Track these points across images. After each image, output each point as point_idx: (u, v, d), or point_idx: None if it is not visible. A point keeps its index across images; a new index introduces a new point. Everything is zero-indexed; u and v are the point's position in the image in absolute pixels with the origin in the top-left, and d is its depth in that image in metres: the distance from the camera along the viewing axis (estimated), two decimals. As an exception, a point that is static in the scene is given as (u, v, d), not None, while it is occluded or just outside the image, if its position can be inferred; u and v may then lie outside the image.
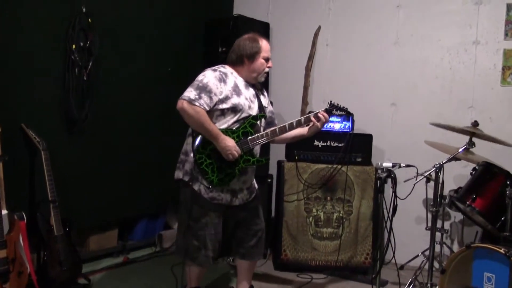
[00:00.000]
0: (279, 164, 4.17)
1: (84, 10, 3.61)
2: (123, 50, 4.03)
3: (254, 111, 3.01)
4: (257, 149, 3.07)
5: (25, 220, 3.09)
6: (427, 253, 3.63)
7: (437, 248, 3.77)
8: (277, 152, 4.31)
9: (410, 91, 4.39)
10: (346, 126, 4.16)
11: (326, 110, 3.03)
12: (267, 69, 3.05)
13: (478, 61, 4.15)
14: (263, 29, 4.82)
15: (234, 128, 2.94)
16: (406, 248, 3.95)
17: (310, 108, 4.68)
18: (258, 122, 3.03)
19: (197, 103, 2.79)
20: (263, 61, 3.01)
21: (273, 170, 4.43)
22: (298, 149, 4.11)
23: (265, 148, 4.64)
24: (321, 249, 4.05)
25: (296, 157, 4.10)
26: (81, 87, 3.66)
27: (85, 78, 3.67)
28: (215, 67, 3.00)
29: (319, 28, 4.72)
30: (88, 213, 3.83)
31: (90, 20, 3.65)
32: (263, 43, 3.03)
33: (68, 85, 3.58)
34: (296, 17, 4.88)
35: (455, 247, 4.17)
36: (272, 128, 3.03)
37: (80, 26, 3.61)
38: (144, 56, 4.22)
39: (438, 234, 3.71)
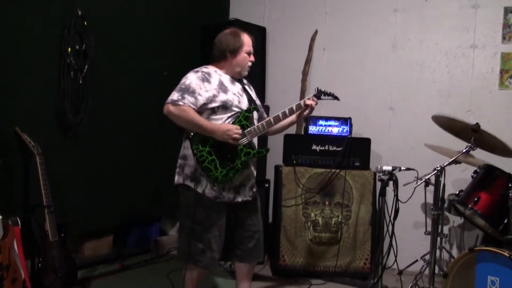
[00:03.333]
0: (277, 168, 4.13)
1: (79, 13, 3.57)
2: (119, 54, 3.99)
3: (244, 105, 3.02)
4: (255, 143, 3.06)
5: (20, 226, 3.02)
6: (426, 257, 3.59)
7: (437, 253, 3.73)
8: (275, 157, 4.27)
9: (408, 95, 4.37)
10: (344, 130, 4.14)
11: (315, 96, 3.07)
12: (249, 63, 3.07)
13: (476, 65, 4.14)
14: (260, 34, 4.81)
15: (229, 124, 2.94)
16: (405, 253, 3.88)
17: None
18: (251, 114, 3.03)
19: (181, 103, 2.83)
20: (245, 55, 3.03)
21: (270, 175, 4.40)
22: (296, 154, 4.08)
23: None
24: (320, 255, 4.01)
25: (294, 162, 4.06)
26: (76, 91, 3.61)
27: (80, 82, 3.62)
28: (197, 69, 3.01)
29: (316, 32, 4.70)
30: (83, 219, 3.76)
31: (85, 23, 3.60)
32: (245, 37, 3.05)
33: (64, 88, 3.53)
34: (292, 21, 4.86)
35: (454, 252, 4.15)
36: (267, 119, 3.03)
37: (76, 29, 3.56)
38: (140, 60, 4.18)
39: (437, 239, 3.68)
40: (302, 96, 4.68)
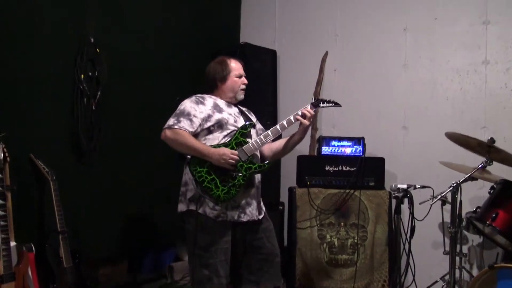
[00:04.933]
0: (291, 190, 4.10)
1: (92, 40, 3.63)
2: (131, 80, 4.03)
3: (241, 124, 3.02)
4: (258, 158, 3.04)
5: (34, 252, 3.03)
6: (446, 278, 3.51)
7: (456, 273, 3.65)
8: (288, 179, 4.25)
9: (421, 113, 4.34)
10: (358, 150, 4.10)
11: (312, 104, 3.02)
12: (242, 86, 3.08)
13: (489, 81, 4.11)
14: (270, 57, 4.85)
15: (226, 142, 2.93)
16: (424, 274, 3.82)
17: (320, 133, 4.64)
18: (249, 132, 3.01)
19: (176, 127, 2.87)
20: (236, 79, 3.06)
21: (284, 197, 4.37)
22: (309, 175, 4.05)
23: (276, 174, 4.62)
24: (337, 277, 3.94)
25: (308, 183, 4.03)
26: (89, 117, 3.65)
27: (93, 108, 3.66)
28: (192, 95, 3.05)
29: (326, 53, 4.72)
30: (97, 245, 3.76)
31: (98, 50, 3.66)
32: (232, 62, 3.09)
33: (77, 115, 3.58)
34: (302, 43, 4.90)
35: (475, 272, 4.04)
36: (265, 133, 3.01)
37: (88, 56, 3.62)
38: (153, 86, 4.22)
39: (456, 259, 3.60)
40: (315, 117, 4.67)
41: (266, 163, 2.98)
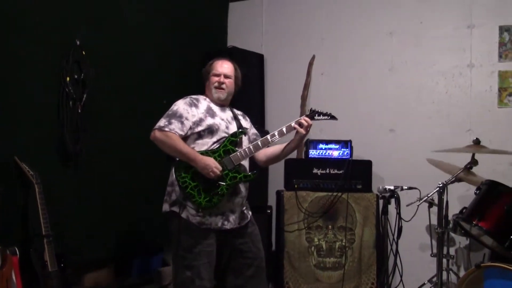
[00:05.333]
0: (278, 193, 4.10)
1: (78, 42, 3.60)
2: (118, 83, 4.01)
3: (232, 131, 2.98)
4: (245, 167, 3.01)
5: (18, 255, 3.00)
6: (434, 280, 3.52)
7: (444, 275, 3.66)
8: (276, 182, 4.24)
9: (408, 116, 4.37)
10: (345, 153, 4.12)
11: (307, 116, 2.97)
12: (215, 84, 3.02)
13: (474, 84, 4.15)
14: (258, 61, 4.85)
15: (214, 148, 2.90)
16: (413, 276, 3.83)
17: (308, 137, 4.63)
18: (239, 139, 2.98)
19: (167, 129, 2.85)
20: (213, 77, 3.04)
21: (272, 201, 4.36)
22: (297, 178, 4.05)
23: (263, 177, 4.60)
24: (325, 280, 3.93)
25: (296, 186, 4.03)
26: (75, 120, 3.61)
27: (79, 111, 3.63)
28: (186, 96, 3.03)
29: (313, 57, 4.73)
30: (83, 249, 3.71)
31: (84, 53, 3.64)
32: (216, 61, 3.08)
33: (62, 118, 3.54)
34: (289, 47, 4.91)
35: (462, 273, 4.04)
36: (254, 143, 2.98)
37: (74, 59, 3.59)
38: (139, 89, 4.20)
39: (444, 261, 3.61)
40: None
41: (252, 174, 2.97)
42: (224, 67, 3.06)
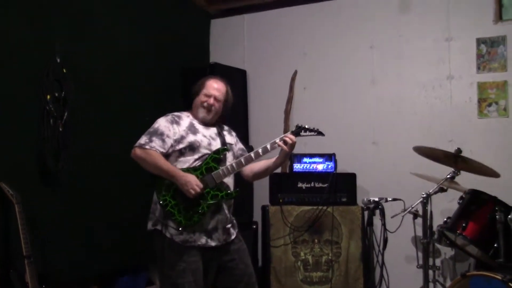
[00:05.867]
0: (264, 208, 4.08)
1: (58, 60, 3.58)
2: (99, 100, 3.97)
3: (215, 148, 2.94)
4: (229, 184, 2.97)
5: (-2, 277, 2.92)
6: (420, 291, 3.51)
7: (430, 286, 3.65)
8: (261, 197, 4.23)
9: (390, 128, 4.41)
10: (329, 167, 4.13)
11: (293, 132, 2.93)
12: (204, 104, 2.97)
13: (454, 95, 4.21)
14: (241, 76, 4.87)
15: (196, 166, 2.88)
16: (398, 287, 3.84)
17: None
18: (223, 156, 2.95)
19: (147, 146, 2.84)
20: (202, 96, 2.99)
21: (257, 216, 4.34)
22: (282, 192, 4.05)
23: (248, 192, 4.58)
24: (312, 295, 3.91)
25: (281, 200, 4.02)
26: (56, 138, 3.56)
27: (60, 129, 3.58)
28: (168, 114, 3.01)
29: (296, 72, 4.77)
30: (66, 269, 3.63)
31: (64, 70, 3.61)
32: (210, 80, 3.04)
33: (43, 136, 3.49)
34: (272, 63, 4.94)
35: (448, 284, 4.06)
36: (237, 160, 2.95)
37: (55, 77, 3.56)
38: (121, 105, 4.17)
39: (430, 272, 3.61)
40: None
41: (234, 191, 2.95)
42: (216, 89, 3.01)
